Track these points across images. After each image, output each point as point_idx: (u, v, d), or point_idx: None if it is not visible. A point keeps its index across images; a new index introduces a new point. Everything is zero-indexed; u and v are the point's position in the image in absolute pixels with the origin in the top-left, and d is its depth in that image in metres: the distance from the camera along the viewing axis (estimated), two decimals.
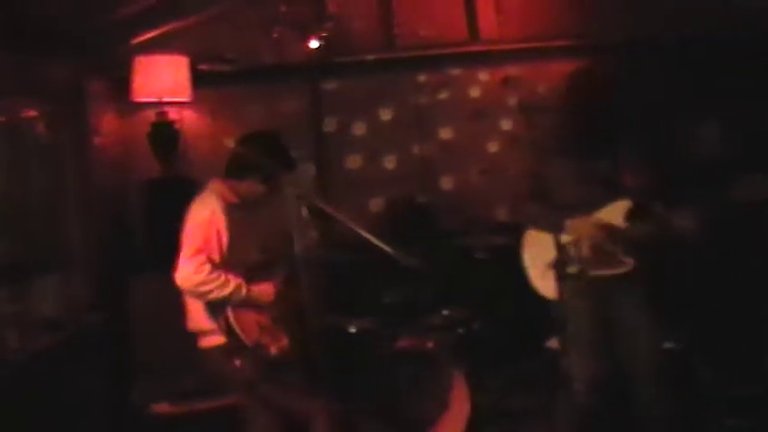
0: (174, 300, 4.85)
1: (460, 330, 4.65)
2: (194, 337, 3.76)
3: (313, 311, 3.34)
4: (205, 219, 3.57)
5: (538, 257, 3.82)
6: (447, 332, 4.61)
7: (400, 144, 5.83)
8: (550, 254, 3.50)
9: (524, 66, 5.88)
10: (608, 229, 3.58)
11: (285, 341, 3.59)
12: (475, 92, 5.89)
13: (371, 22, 5.73)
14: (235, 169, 3.74)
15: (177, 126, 5.32)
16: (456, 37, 5.81)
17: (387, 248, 3.27)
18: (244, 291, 3.55)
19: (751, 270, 4.89)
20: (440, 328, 4.64)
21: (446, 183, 5.86)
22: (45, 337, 4.22)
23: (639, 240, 3.59)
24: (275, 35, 5.09)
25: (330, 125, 5.75)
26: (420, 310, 4.81)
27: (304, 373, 3.52)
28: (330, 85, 5.76)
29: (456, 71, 5.89)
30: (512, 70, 5.88)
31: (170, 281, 4.86)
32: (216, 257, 3.53)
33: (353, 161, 5.74)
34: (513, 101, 5.85)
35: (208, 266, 3.48)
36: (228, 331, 3.54)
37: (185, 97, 5.29)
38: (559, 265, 3.46)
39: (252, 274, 3.65)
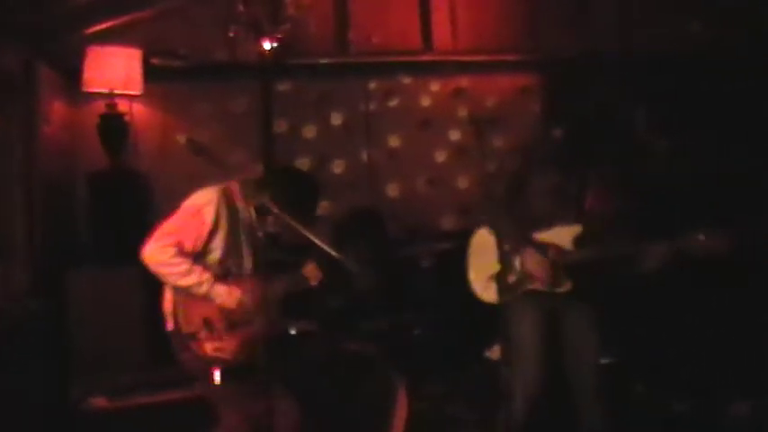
0: (114, 293, 4.87)
1: (403, 336, 4.69)
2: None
3: (262, 311, 3.33)
4: (195, 206, 3.51)
5: (481, 268, 3.89)
6: (389, 338, 4.66)
7: (349, 149, 5.88)
8: (495, 266, 3.51)
9: (475, 78, 5.98)
10: (555, 251, 3.68)
11: (231, 344, 3.52)
12: (425, 101, 5.98)
13: (327, 26, 5.74)
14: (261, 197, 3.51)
15: (127, 119, 5.27)
16: (409, 46, 5.86)
17: (332, 252, 3.28)
18: (206, 288, 3.47)
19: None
20: (382, 334, 4.68)
21: (392, 190, 5.92)
22: None
23: (580, 265, 3.66)
24: (231, 34, 5.08)
25: (280, 126, 5.76)
26: (363, 315, 4.84)
27: (253, 375, 3.47)
28: (282, 87, 5.76)
29: (407, 80, 5.97)
30: (463, 82, 5.97)
31: (111, 274, 4.89)
32: (188, 246, 3.46)
33: (302, 164, 5.73)
34: (462, 112, 5.94)
35: (173, 250, 3.41)
36: (173, 317, 3.51)
37: (137, 90, 5.25)
38: (502, 278, 3.51)
39: (226, 274, 3.59)
